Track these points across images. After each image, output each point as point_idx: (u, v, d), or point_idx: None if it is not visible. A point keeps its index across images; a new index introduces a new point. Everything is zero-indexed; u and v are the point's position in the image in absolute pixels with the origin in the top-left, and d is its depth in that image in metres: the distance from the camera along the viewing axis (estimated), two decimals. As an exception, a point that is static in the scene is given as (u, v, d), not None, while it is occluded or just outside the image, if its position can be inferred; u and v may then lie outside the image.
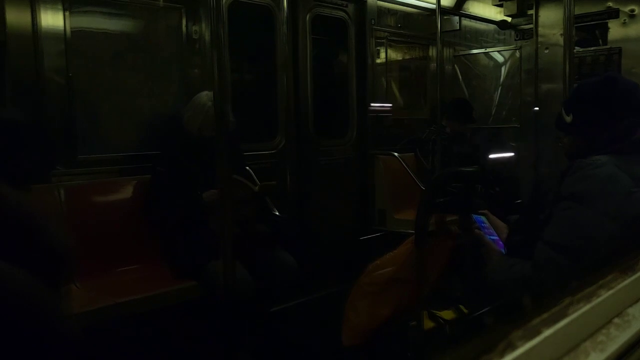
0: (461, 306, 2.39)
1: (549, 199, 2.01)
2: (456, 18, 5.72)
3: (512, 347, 0.60)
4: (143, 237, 3.33)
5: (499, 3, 5.54)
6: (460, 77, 6.14)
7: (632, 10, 4.97)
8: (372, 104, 5.13)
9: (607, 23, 5.09)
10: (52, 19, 3.18)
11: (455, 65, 6.15)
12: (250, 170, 3.77)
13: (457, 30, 5.80)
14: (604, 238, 1.72)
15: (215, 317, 2.84)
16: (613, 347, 0.71)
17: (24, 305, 1.36)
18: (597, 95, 2.03)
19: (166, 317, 2.95)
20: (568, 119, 2.06)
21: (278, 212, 3.62)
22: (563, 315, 0.69)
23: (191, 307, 3.03)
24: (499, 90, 5.94)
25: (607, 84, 2.02)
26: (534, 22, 5.48)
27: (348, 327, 2.45)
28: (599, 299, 0.76)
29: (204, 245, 3.03)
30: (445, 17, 5.53)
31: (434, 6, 4.19)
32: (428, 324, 2.29)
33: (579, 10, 4.74)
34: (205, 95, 3.32)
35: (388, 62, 5.40)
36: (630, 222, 1.73)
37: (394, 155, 5.02)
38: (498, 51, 5.99)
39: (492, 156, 5.25)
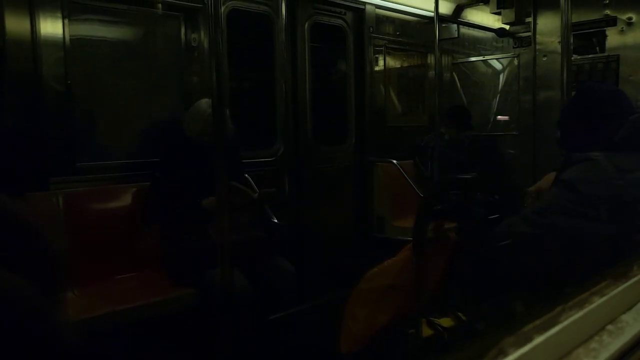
0: (459, 313, 2.39)
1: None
2: (454, 26, 5.74)
3: (503, 353, 0.60)
4: (141, 245, 3.33)
5: (497, 11, 5.56)
6: (458, 84, 6.15)
7: (630, 18, 4.99)
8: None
9: (604, 31, 5.11)
10: (51, 27, 3.19)
11: (454, 73, 6.17)
12: (249, 178, 3.77)
13: (455, 38, 5.82)
14: (585, 219, 1.88)
15: (214, 325, 2.83)
16: (606, 354, 0.71)
17: (19, 313, 1.36)
18: (574, 109, 2.21)
19: (164, 325, 2.95)
20: (557, 135, 2.24)
21: (276, 219, 3.62)
22: (555, 322, 0.69)
23: (190, 314, 3.03)
24: (498, 98, 5.95)
25: (582, 97, 2.20)
26: (532, 30, 5.49)
27: (346, 334, 2.45)
28: (592, 306, 0.76)
29: (202, 252, 3.02)
30: (444, 25, 5.56)
31: (432, 14, 4.20)
32: (426, 331, 2.28)
33: (576, 18, 4.76)
34: (206, 102, 3.33)
35: (386, 70, 5.41)
36: (613, 206, 1.87)
37: (393, 163, 5.03)
38: (496, 59, 6.00)
39: (490, 163, 5.25)
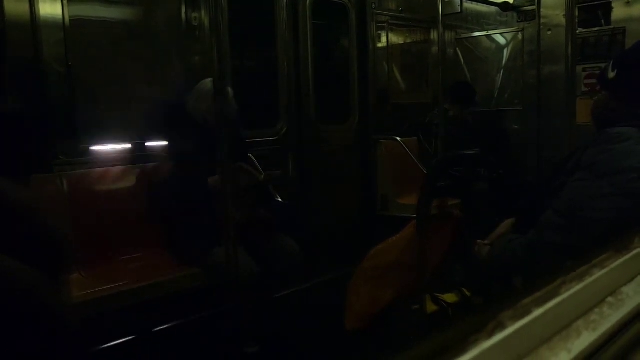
0: (463, 289, 2.40)
1: (567, 167, 1.94)
2: (457, 1, 5.66)
3: (501, 326, 0.60)
4: (146, 225, 3.34)
5: (501, -15, 5.49)
6: (462, 60, 6.09)
7: (637, -10, 4.91)
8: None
9: (610, 3, 5.03)
10: (50, 8, 3.17)
11: (457, 49, 6.10)
12: (254, 159, 3.76)
13: (458, 13, 5.74)
14: (612, 212, 1.68)
15: (220, 304, 2.85)
16: (606, 325, 0.71)
17: (25, 298, 1.37)
18: None
19: (170, 305, 2.97)
20: (612, 74, 1.89)
21: (280, 198, 3.62)
22: (555, 294, 0.69)
23: (195, 294, 3.05)
24: (502, 73, 5.89)
25: None
26: (536, 4, 5.42)
27: (351, 311, 2.46)
28: (592, 278, 0.76)
29: (208, 231, 3.04)
30: (447, 0, 5.48)
31: (435, -11, 4.15)
32: (431, 307, 2.30)
33: (582, -10, 4.70)
34: (210, 82, 3.30)
35: (389, 46, 5.37)
36: None
37: (397, 140, 5.02)
38: (500, 33, 5.93)
39: (495, 140, 5.22)
